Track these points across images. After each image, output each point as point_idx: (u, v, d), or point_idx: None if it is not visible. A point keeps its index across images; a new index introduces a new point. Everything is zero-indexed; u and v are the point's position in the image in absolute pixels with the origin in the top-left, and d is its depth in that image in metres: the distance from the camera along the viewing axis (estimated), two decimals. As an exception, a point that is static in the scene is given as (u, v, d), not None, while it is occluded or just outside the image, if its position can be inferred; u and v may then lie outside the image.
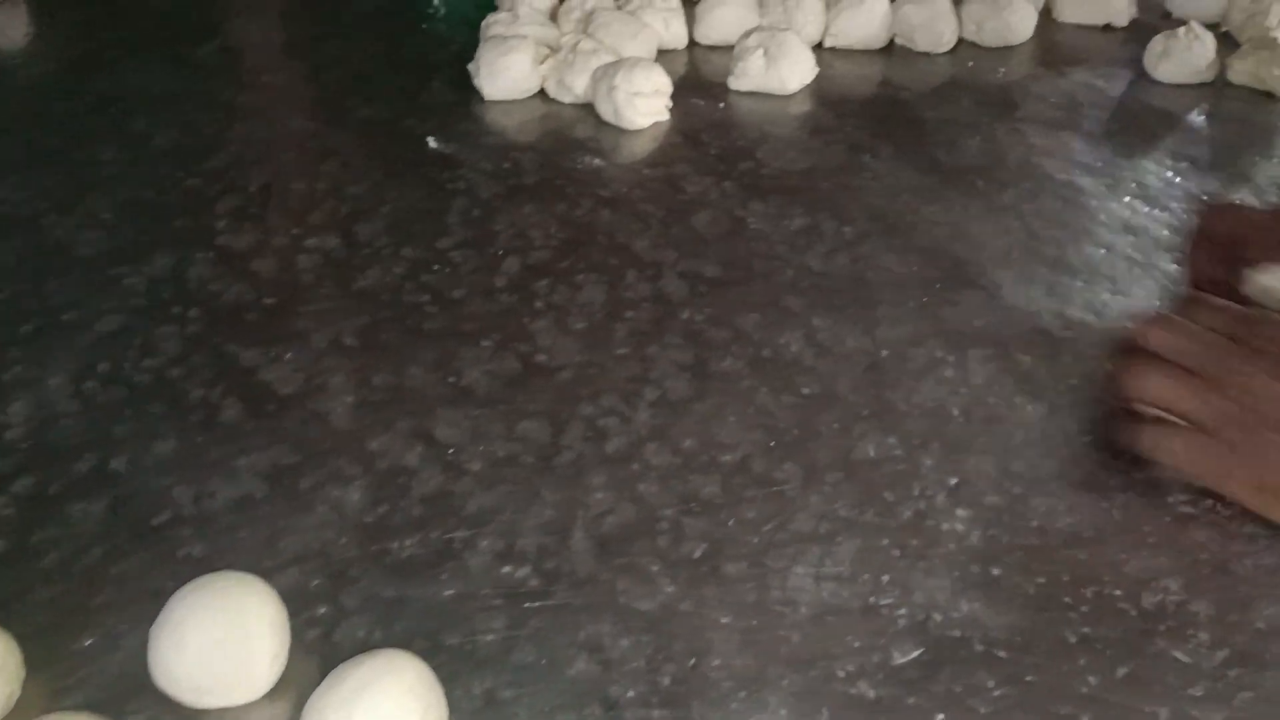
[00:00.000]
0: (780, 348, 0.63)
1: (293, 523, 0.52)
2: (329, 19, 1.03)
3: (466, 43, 0.92)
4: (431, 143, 0.82)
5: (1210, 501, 0.51)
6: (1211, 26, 0.97)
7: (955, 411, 0.58)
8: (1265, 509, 0.45)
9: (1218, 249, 0.60)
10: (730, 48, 0.91)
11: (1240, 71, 0.89)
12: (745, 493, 0.53)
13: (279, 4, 1.06)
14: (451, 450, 0.55)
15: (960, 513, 0.52)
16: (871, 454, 0.56)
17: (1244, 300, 0.57)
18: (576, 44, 0.87)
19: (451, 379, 0.60)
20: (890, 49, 0.96)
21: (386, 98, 0.88)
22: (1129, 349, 0.50)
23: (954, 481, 0.54)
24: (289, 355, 0.61)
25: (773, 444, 0.56)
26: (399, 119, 0.85)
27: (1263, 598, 0.48)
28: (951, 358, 0.62)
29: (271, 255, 0.70)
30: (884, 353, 0.62)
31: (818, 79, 0.90)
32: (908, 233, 0.72)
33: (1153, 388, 0.48)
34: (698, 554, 0.50)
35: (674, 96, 0.86)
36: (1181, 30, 0.90)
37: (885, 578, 0.49)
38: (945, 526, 0.52)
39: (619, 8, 0.94)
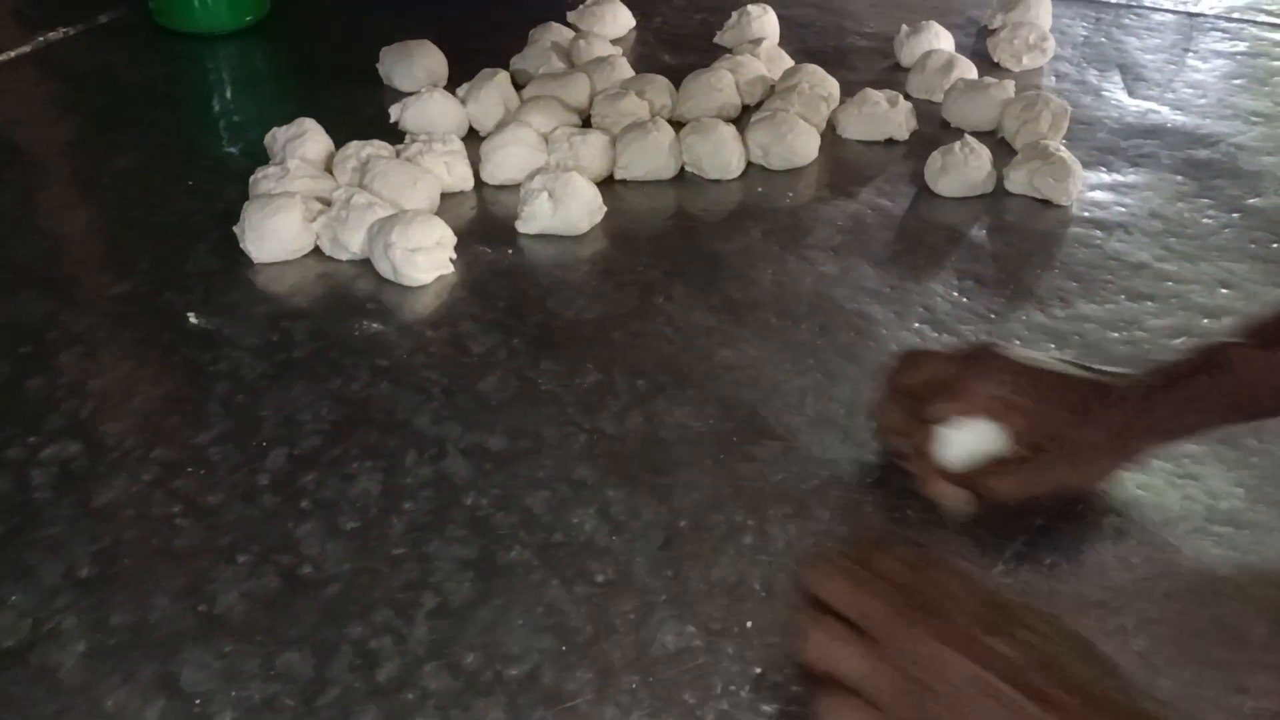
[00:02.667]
0: (572, 529, 0.59)
1: (6, 816, 0.44)
2: (79, 182, 0.96)
3: (235, 198, 0.86)
4: (192, 319, 0.75)
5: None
6: (988, 134, 0.99)
7: (756, 585, 0.55)
8: None
9: (905, 404, 0.60)
10: (519, 186, 0.88)
11: (1016, 181, 0.91)
12: (532, 715, 0.48)
13: (34, 171, 0.98)
14: (199, 700, 0.49)
15: (765, 708, 0.49)
16: (670, 647, 0.52)
17: (933, 468, 0.58)
18: (350, 198, 0.83)
19: (202, 607, 0.53)
20: (681, 176, 0.94)
21: (143, 270, 0.81)
22: (807, 601, 0.48)
23: (757, 671, 0.50)
24: (15, 597, 0.54)
25: (564, 648, 0.52)
26: (157, 293, 0.78)
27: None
28: (751, 521, 0.59)
29: (5, 471, 0.62)
30: (681, 523, 0.59)
31: (609, 214, 0.88)
32: (702, 383, 0.69)
33: (822, 654, 0.45)
34: (480, 800, 0.45)
35: (461, 244, 0.83)
36: (958, 145, 0.91)
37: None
38: (751, 726, 0.48)
39: (397, 154, 0.90)
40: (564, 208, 0.85)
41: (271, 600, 0.54)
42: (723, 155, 0.93)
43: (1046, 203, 0.90)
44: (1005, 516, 0.58)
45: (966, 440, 0.57)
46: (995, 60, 1.15)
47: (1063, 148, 0.92)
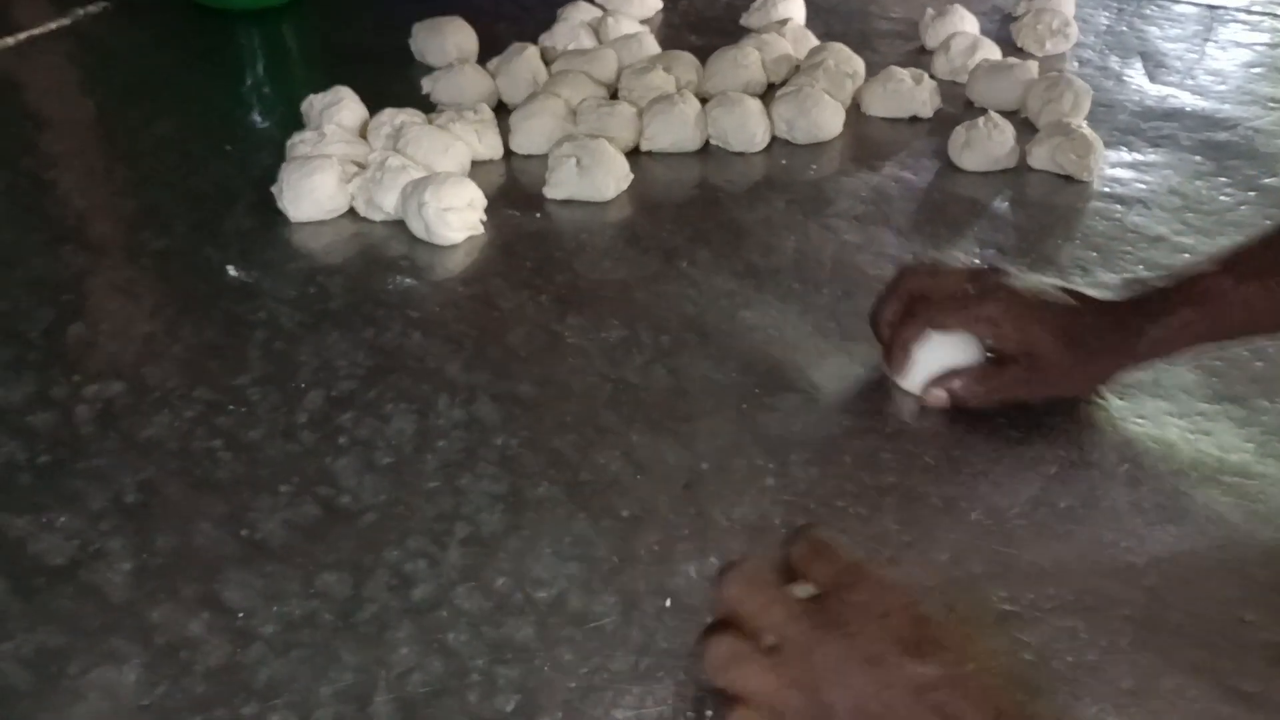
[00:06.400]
0: (598, 469, 0.60)
1: (59, 716, 0.46)
2: (121, 145, 0.99)
3: (271, 164, 0.88)
4: (231, 271, 0.78)
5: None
6: (1011, 114, 1.01)
7: (777, 522, 0.57)
8: None
9: (906, 303, 0.65)
10: (546, 156, 0.90)
11: (1039, 157, 0.93)
12: (561, 633, 0.50)
13: (70, 137, 1.01)
14: (241, 614, 0.51)
15: (785, 634, 0.50)
16: (693, 575, 0.54)
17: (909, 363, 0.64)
18: (385, 161, 0.85)
19: (244, 532, 0.55)
20: (706, 149, 0.96)
21: (183, 227, 0.83)
22: (715, 610, 0.46)
23: (778, 600, 0.52)
24: (62, 520, 0.56)
25: (590, 575, 0.53)
26: (196, 249, 0.80)
27: None
28: (772, 465, 0.61)
29: (49, 407, 0.64)
30: (704, 465, 0.61)
31: (635, 183, 0.90)
32: (724, 339, 0.71)
33: (725, 670, 0.43)
34: (510, 707, 0.47)
35: (490, 208, 0.85)
36: (982, 120, 0.93)
37: (709, 714, 0.47)
38: (770, 650, 0.50)
39: (429, 122, 0.93)
40: (591, 174, 0.87)
41: (311, 527, 0.56)
42: (748, 128, 0.94)
43: (1068, 178, 0.91)
44: (1020, 463, 0.60)
45: (941, 352, 0.64)
46: (1019, 45, 1.16)
47: (1085, 126, 0.93)
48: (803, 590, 0.44)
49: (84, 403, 0.65)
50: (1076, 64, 1.14)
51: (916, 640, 0.41)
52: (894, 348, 0.65)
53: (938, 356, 0.64)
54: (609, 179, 0.87)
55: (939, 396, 0.64)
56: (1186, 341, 0.61)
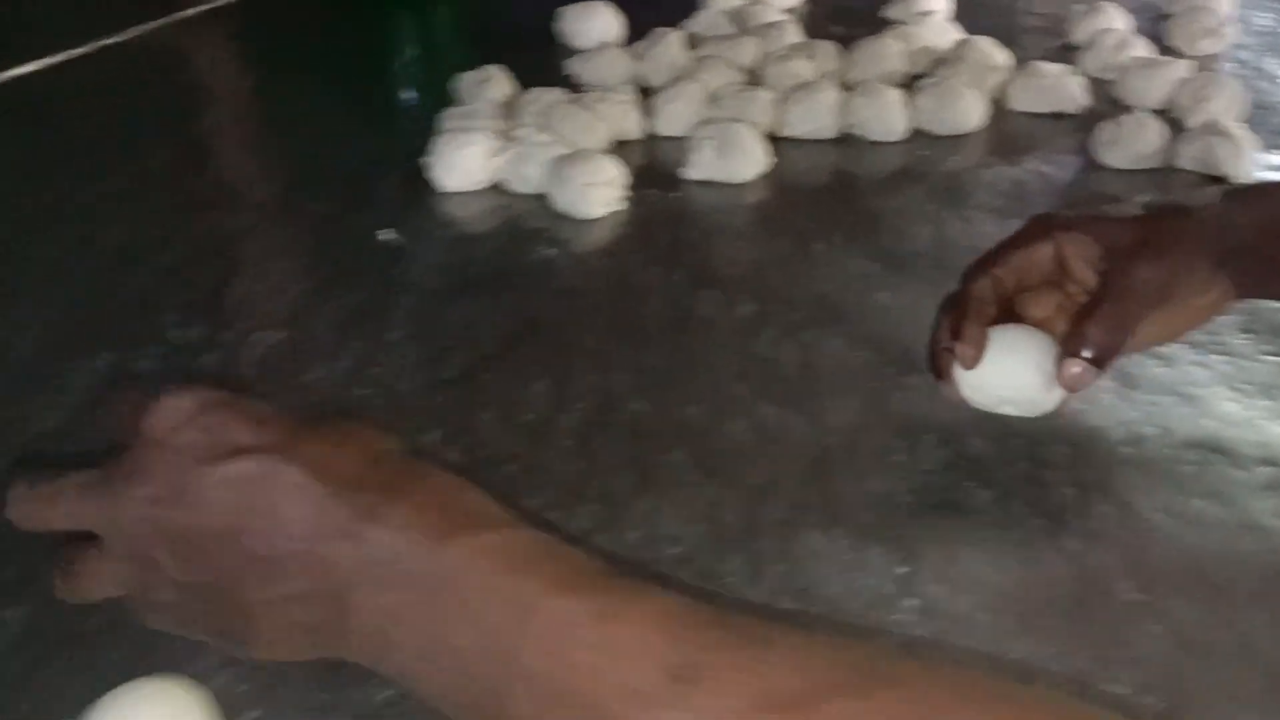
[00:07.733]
0: (726, 438, 0.62)
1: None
2: (279, 118, 1.04)
3: (420, 140, 0.92)
4: (381, 236, 0.82)
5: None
6: (1160, 113, 0.98)
7: (909, 498, 0.57)
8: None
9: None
10: (686, 138, 0.92)
11: (1188, 156, 0.90)
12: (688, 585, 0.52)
13: (231, 108, 1.07)
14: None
15: (906, 603, 0.51)
16: (818, 545, 0.55)
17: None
18: (532, 136, 0.88)
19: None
20: (844, 138, 0.97)
21: (335, 195, 0.88)
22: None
23: (902, 571, 0.53)
24: (227, 453, 0.60)
25: (718, 537, 0.55)
26: (349, 214, 0.85)
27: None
28: (901, 444, 0.61)
29: (218, 350, 0.69)
30: (831, 440, 0.62)
31: (772, 168, 0.91)
32: (856, 320, 0.72)
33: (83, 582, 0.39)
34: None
35: (630, 186, 0.87)
36: (1129, 117, 0.91)
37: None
38: (892, 617, 0.50)
39: (576, 101, 0.95)
40: (728, 157, 0.88)
41: (455, 473, 0.59)
42: (887, 118, 0.95)
43: (1216, 179, 0.89)
44: (1153, 458, 0.59)
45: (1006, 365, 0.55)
46: (1170, 44, 1.13)
47: (1237, 126, 0.91)
48: None
49: (248, 348, 0.69)
50: (1230, 65, 1.11)
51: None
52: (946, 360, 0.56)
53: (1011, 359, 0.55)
54: (746, 162, 0.89)
55: (1076, 375, 0.53)
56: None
